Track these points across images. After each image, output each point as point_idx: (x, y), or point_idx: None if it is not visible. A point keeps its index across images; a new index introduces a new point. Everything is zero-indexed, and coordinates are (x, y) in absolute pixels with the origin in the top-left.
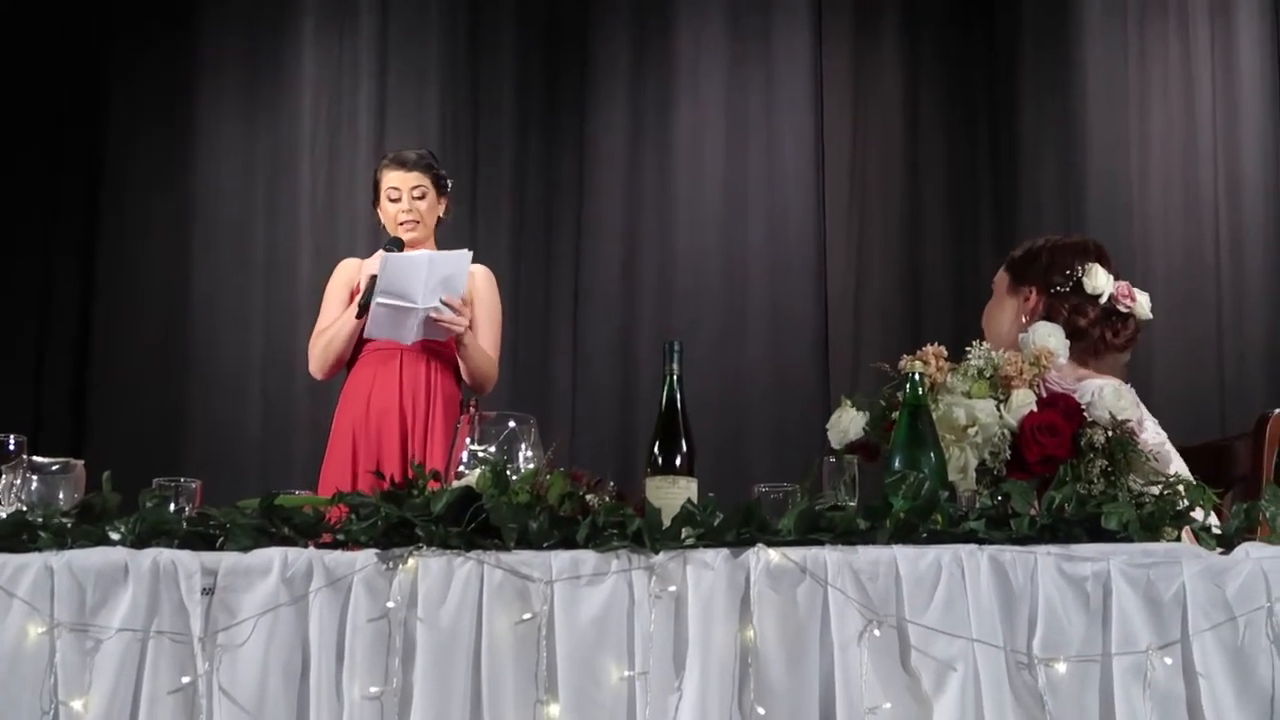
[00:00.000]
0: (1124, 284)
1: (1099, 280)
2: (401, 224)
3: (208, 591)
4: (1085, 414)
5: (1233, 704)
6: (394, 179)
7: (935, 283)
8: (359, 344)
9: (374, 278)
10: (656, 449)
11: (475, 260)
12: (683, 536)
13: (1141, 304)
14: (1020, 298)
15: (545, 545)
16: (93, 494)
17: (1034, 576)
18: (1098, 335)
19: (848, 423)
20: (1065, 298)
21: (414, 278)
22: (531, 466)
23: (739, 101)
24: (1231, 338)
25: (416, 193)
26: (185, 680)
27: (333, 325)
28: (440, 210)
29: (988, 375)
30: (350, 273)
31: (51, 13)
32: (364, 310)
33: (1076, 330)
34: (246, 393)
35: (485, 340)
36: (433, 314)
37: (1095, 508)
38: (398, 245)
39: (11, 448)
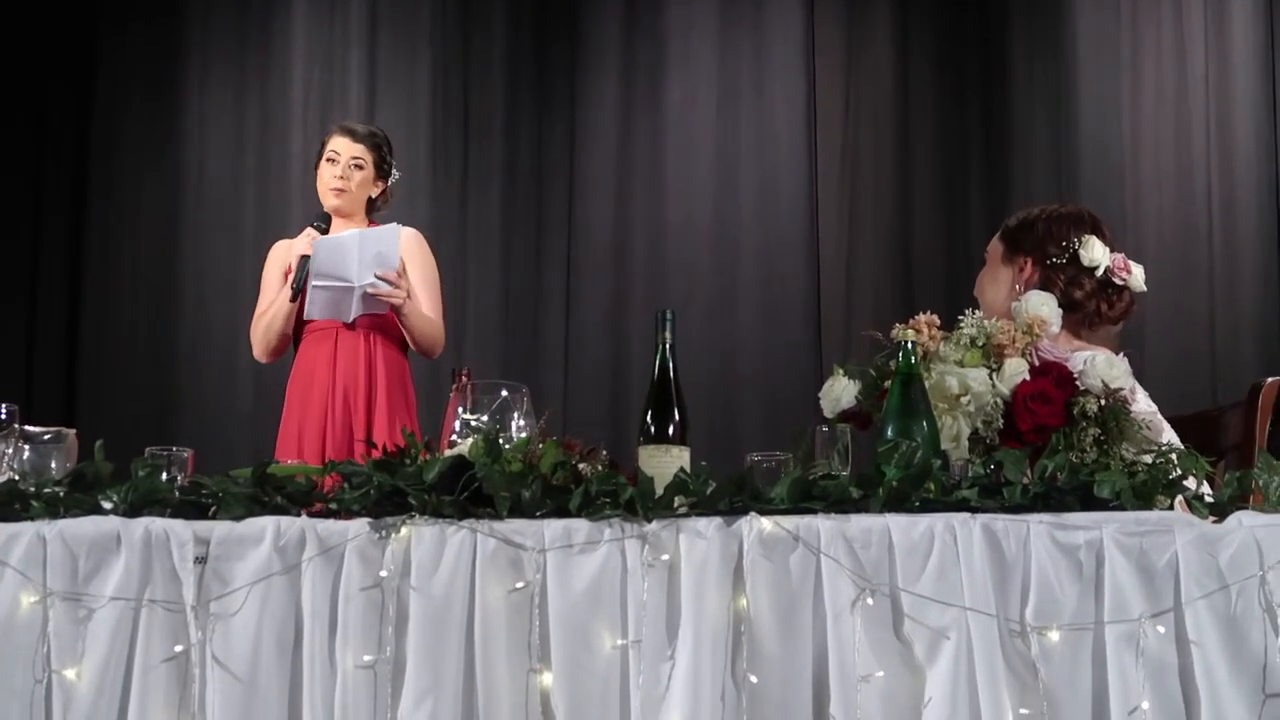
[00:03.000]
0: (1120, 256)
1: (1095, 252)
2: (331, 188)
3: (200, 560)
4: (1077, 382)
5: (1225, 672)
6: (338, 144)
7: (927, 251)
8: (299, 325)
9: (304, 258)
10: (649, 418)
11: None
12: (675, 505)
13: (1136, 276)
14: (1015, 267)
15: (538, 514)
16: (85, 463)
17: (1027, 545)
18: (1093, 307)
19: (840, 391)
20: (1061, 269)
21: (346, 257)
22: (524, 435)
23: (730, 71)
24: (1223, 307)
25: (355, 162)
26: (178, 649)
27: (269, 309)
28: (374, 191)
29: (980, 344)
30: (282, 254)
31: None
32: (296, 294)
33: (1072, 302)
34: (236, 365)
35: (425, 304)
36: (369, 289)
37: (1088, 476)
38: (324, 220)
39: (3, 416)
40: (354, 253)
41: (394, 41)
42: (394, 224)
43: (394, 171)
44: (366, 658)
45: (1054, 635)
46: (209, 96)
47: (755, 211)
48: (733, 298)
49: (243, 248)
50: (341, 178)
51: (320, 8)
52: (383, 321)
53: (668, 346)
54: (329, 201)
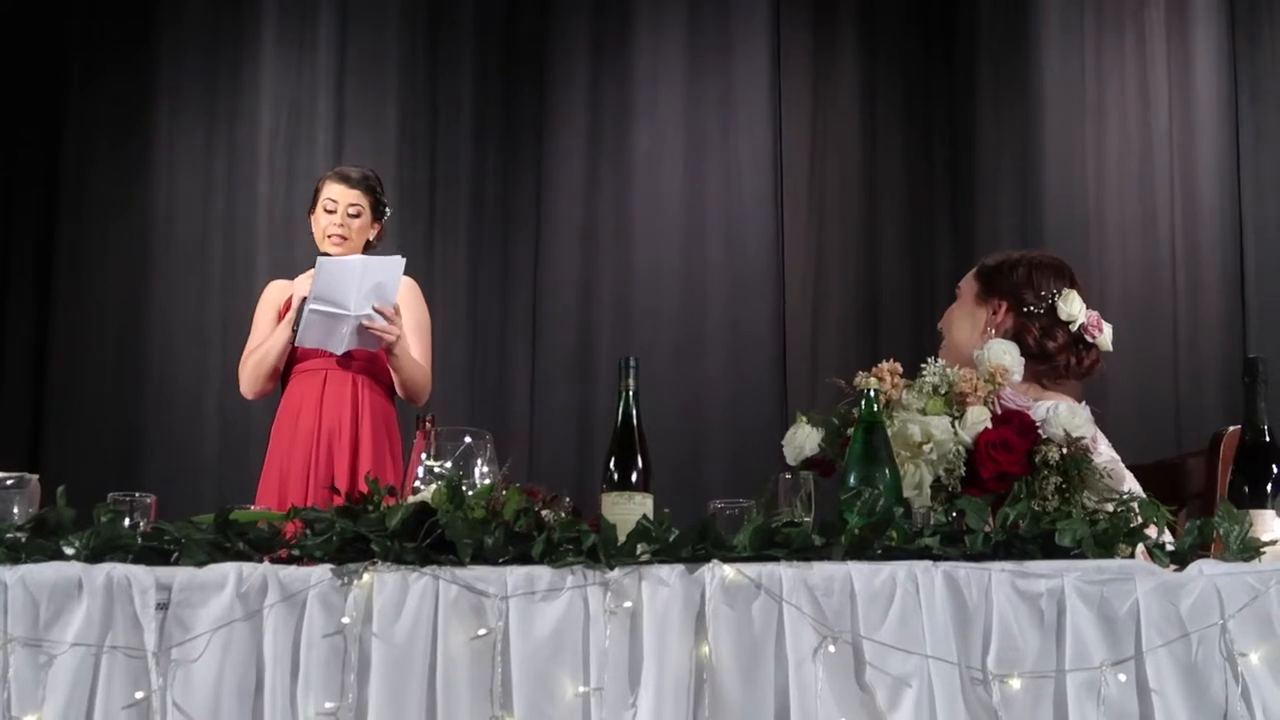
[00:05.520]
0: (1095, 314)
1: (1074, 307)
2: (329, 236)
3: (162, 606)
4: (1040, 431)
5: None
6: (334, 191)
7: (893, 297)
8: (289, 366)
9: (305, 300)
10: (612, 465)
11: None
12: (638, 552)
13: (1106, 336)
14: (989, 309)
15: (501, 561)
16: (47, 509)
17: (988, 593)
18: (1063, 361)
19: (803, 439)
20: (1037, 318)
21: (347, 283)
22: (487, 482)
23: (697, 119)
24: (1186, 356)
25: (352, 210)
26: (139, 695)
27: (262, 345)
28: (372, 234)
29: (943, 392)
30: (277, 294)
31: (6, 29)
32: (296, 334)
33: (1044, 352)
34: (203, 409)
35: (415, 350)
36: (364, 321)
37: (1049, 524)
38: None
39: None
40: (355, 280)
41: (362, 87)
42: (399, 256)
43: (387, 210)
44: (328, 705)
45: (1015, 683)
46: (178, 141)
47: (721, 257)
48: (699, 343)
49: (210, 292)
50: (341, 225)
51: (289, 53)
52: (372, 365)
53: (631, 393)
54: (328, 249)
